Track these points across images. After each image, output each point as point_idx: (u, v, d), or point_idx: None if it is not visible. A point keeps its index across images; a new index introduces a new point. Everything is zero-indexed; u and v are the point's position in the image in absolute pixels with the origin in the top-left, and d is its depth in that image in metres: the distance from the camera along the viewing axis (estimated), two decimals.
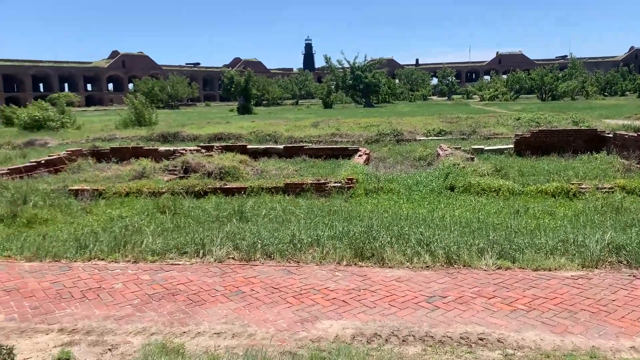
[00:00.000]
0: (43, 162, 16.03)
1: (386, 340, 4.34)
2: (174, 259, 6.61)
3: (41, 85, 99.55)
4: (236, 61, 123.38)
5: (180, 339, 4.38)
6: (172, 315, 4.94)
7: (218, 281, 5.78)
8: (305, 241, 6.77)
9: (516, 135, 17.75)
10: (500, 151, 17.08)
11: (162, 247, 6.91)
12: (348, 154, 16.70)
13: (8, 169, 14.61)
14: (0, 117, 34.29)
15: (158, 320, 4.82)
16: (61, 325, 4.75)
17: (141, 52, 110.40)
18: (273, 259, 6.47)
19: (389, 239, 6.73)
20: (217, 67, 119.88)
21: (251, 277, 5.86)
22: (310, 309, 4.98)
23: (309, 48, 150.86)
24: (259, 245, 6.70)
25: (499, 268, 6.01)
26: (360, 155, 15.59)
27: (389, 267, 6.11)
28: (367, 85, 68.00)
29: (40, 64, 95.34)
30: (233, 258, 6.53)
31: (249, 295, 5.36)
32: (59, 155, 17.00)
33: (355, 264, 6.24)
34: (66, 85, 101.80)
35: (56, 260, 6.67)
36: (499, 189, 10.71)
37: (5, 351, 4.12)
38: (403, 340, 4.32)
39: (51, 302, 5.30)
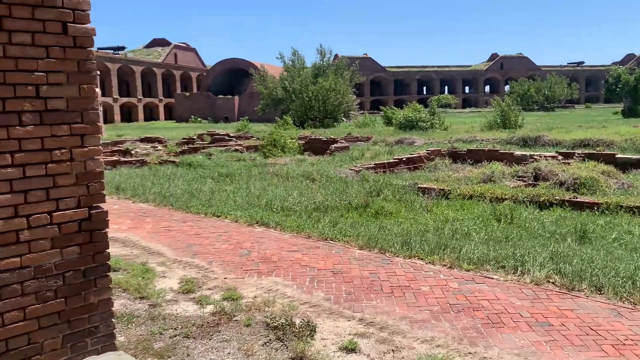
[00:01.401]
0: (404, 159, 17.57)
1: None
2: (489, 272, 6.26)
3: (424, 88, 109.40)
4: (629, 58, 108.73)
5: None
6: (465, 331, 4.68)
7: (526, 306, 5.18)
8: None
9: None
10: None
11: (481, 257, 6.63)
12: None
13: (374, 164, 16.57)
14: (383, 118, 39.38)
15: (449, 333, 4.64)
16: (362, 315, 5.07)
17: (520, 54, 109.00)
18: (602, 293, 5.41)
19: None
20: (603, 66, 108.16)
21: (566, 310, 5.04)
22: None
23: None
24: (588, 274, 5.71)
25: None
26: None
27: None
28: None
29: (425, 69, 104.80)
30: (553, 283, 5.76)
31: (556, 330, 4.62)
32: (419, 154, 18.32)
33: None
34: (446, 88, 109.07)
35: (382, 252, 7.17)
36: None
37: (310, 327, 4.65)
38: None
39: (363, 291, 5.72)
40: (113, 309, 4.30)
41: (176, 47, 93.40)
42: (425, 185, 12.46)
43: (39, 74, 3.28)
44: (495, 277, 6.08)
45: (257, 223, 8.97)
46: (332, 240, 7.83)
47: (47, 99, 3.34)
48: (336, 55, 65.57)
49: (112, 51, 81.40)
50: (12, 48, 3.15)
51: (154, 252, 7.41)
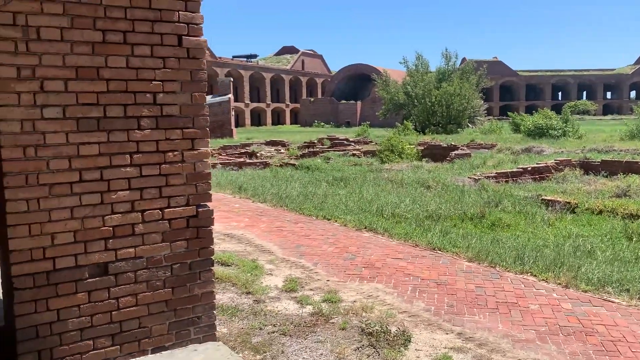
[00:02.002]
0: (529, 168, 16.60)
1: None
2: (611, 295, 5.73)
3: (559, 93, 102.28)
4: None
5: None
6: (573, 356, 4.33)
7: None
8: None
9: None
10: None
11: (602, 278, 6.09)
12: None
13: (496, 173, 15.86)
14: (511, 124, 37.48)
15: (554, 357, 4.32)
16: (462, 330, 4.89)
17: None
18: None
19: None
20: None
21: None
22: None
23: None
24: None
25: None
26: None
27: None
28: None
29: (561, 73, 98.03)
30: None
31: None
32: (546, 163, 17.20)
33: None
34: (584, 93, 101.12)
35: (491, 266, 6.85)
36: None
37: (405, 337, 4.60)
38: None
39: (465, 305, 5.52)
40: (218, 301, 4.60)
41: (303, 54, 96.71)
42: (549, 198, 11.70)
43: (156, 82, 3.62)
44: (616, 301, 5.56)
45: (365, 228, 9.01)
46: (440, 250, 7.64)
47: (162, 106, 3.67)
48: (463, 59, 63.63)
49: (245, 59, 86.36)
50: (133, 59, 3.52)
51: (265, 250, 7.75)
